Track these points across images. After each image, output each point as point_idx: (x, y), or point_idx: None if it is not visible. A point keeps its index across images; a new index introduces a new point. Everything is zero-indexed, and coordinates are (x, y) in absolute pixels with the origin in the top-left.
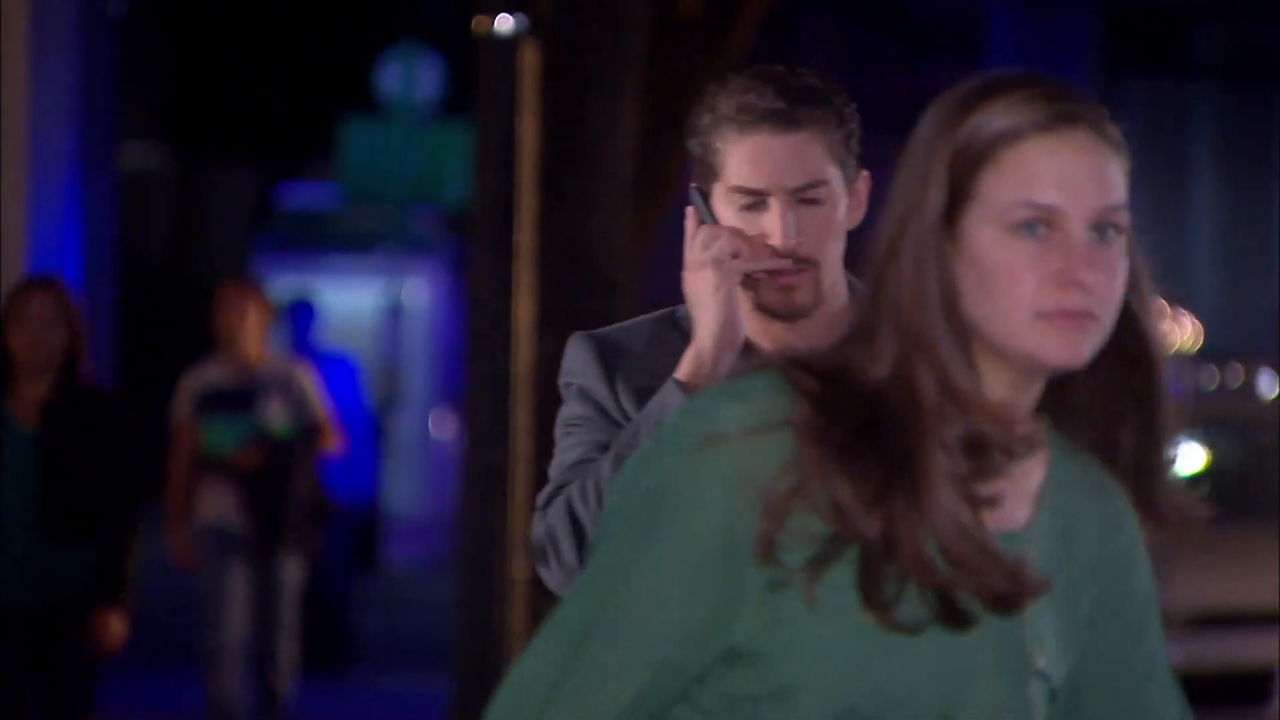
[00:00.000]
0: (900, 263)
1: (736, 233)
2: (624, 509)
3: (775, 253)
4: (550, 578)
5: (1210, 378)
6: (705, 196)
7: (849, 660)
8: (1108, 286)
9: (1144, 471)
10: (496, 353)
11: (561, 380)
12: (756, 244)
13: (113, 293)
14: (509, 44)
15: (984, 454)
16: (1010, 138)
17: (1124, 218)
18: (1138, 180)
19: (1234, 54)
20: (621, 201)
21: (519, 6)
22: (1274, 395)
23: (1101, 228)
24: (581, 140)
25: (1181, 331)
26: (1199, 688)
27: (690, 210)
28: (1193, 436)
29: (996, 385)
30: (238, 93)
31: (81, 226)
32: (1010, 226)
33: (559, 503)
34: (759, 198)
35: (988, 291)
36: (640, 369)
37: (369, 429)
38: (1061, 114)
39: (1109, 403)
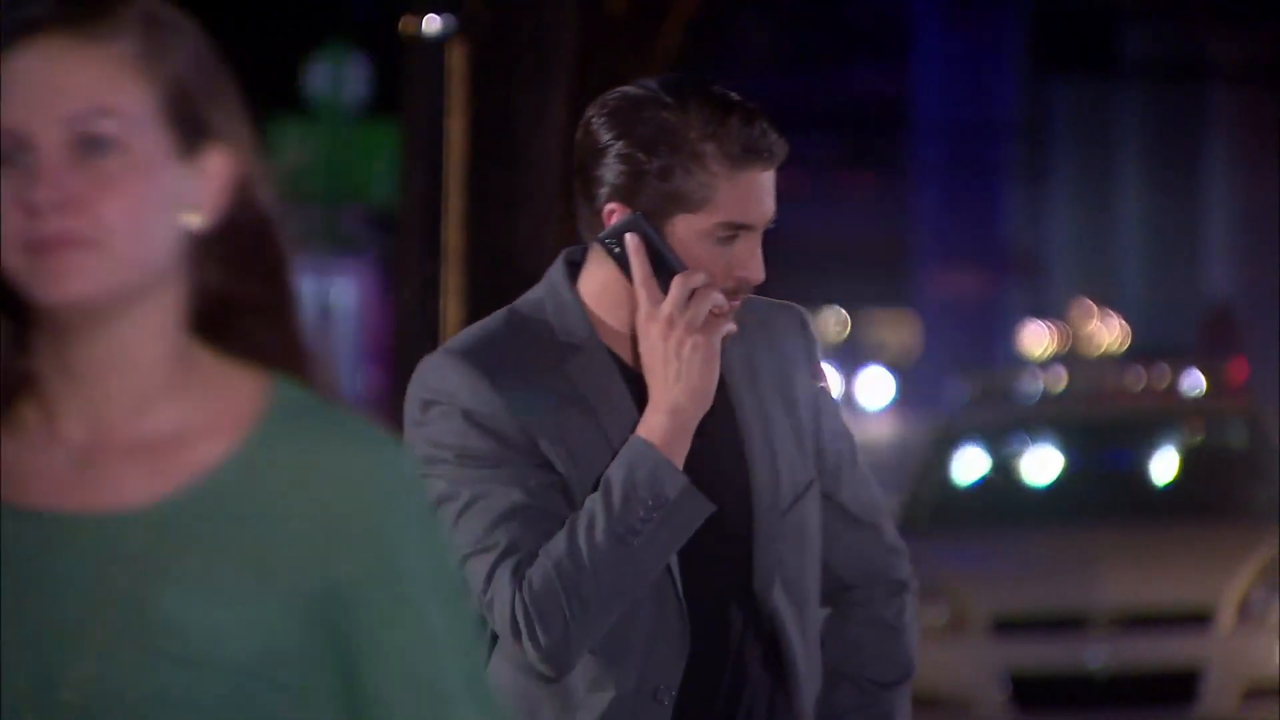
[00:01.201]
0: None
1: (707, 277)
2: None
3: (742, 285)
4: (530, 652)
5: (1137, 378)
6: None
7: None
8: (101, 204)
9: (287, 355)
10: (425, 353)
11: (424, 397)
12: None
13: None
14: (437, 44)
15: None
16: None
17: (112, 124)
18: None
19: (1160, 55)
20: (549, 201)
21: (447, 7)
22: (1199, 394)
23: (86, 140)
24: (509, 140)
25: (1109, 332)
26: (1125, 688)
27: (637, 244)
28: (1163, 441)
29: (44, 335)
30: None
31: None
32: None
33: (547, 579)
34: (740, 231)
35: None
36: (520, 383)
37: None
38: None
39: (249, 297)
